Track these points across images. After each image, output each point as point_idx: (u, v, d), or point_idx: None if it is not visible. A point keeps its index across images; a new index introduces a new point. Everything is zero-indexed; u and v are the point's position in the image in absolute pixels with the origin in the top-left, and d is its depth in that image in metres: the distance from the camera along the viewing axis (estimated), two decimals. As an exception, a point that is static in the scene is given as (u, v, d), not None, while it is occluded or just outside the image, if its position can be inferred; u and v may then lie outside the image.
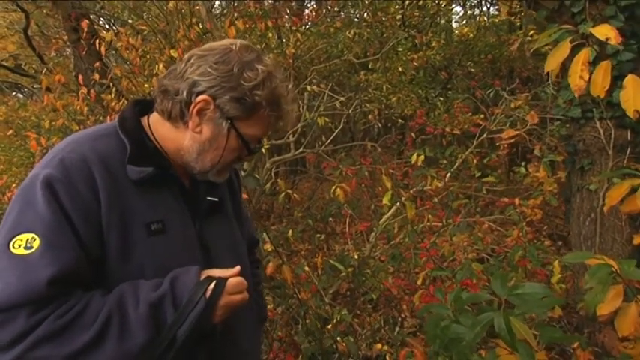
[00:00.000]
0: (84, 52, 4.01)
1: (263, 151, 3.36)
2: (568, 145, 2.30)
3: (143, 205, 0.85)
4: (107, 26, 7.82)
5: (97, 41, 3.32)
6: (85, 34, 3.74)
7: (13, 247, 0.74)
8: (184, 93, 0.86)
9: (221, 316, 0.85)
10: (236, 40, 0.91)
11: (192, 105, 0.86)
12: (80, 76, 3.60)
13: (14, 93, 13.18)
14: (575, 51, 1.22)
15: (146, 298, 0.78)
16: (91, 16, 5.17)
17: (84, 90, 3.15)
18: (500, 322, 1.01)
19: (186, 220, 0.92)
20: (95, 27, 5.31)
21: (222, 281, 0.84)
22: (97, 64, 3.65)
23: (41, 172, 0.78)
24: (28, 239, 0.74)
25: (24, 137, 5.49)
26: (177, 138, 0.91)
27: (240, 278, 0.87)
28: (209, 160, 0.91)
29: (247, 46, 0.90)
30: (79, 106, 3.19)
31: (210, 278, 0.84)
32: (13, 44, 9.66)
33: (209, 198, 0.98)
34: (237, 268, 0.88)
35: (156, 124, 0.93)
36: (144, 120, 0.94)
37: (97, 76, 3.39)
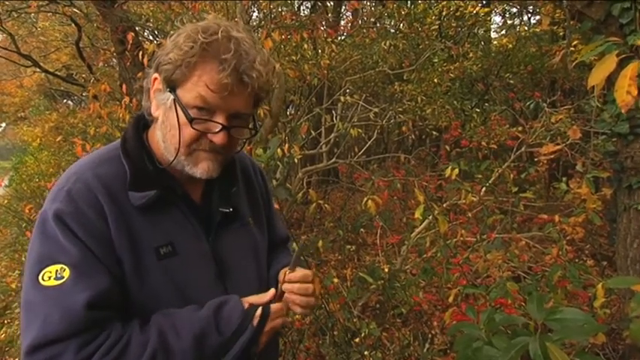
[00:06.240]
0: (128, 63, 4.21)
1: (295, 160, 3.38)
2: (614, 162, 2.18)
3: (150, 229, 0.83)
4: (151, 38, 8.19)
5: (141, 52, 3.47)
6: (130, 46, 3.93)
7: (43, 280, 0.73)
8: (145, 84, 0.88)
9: (264, 342, 0.87)
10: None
11: (151, 90, 0.87)
12: (124, 86, 3.78)
13: (65, 100, 14.02)
14: (622, 64, 1.16)
15: (189, 329, 0.79)
16: (137, 29, 5.43)
17: (127, 99, 3.29)
18: (535, 348, 0.96)
19: (199, 236, 0.90)
20: (140, 39, 5.57)
21: (268, 308, 0.86)
22: (140, 74, 3.81)
23: (51, 207, 0.78)
24: (57, 270, 0.74)
25: (72, 142, 5.80)
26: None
27: (280, 304, 0.90)
28: (172, 145, 0.84)
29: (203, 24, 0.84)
30: (121, 114, 3.33)
31: (254, 306, 0.86)
32: (66, 55, 10.33)
33: (222, 209, 0.94)
34: (272, 291, 0.89)
35: (153, 134, 0.91)
36: (148, 134, 0.93)
37: (139, 85, 3.53)
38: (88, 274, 0.75)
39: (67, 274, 0.73)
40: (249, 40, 0.83)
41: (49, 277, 0.73)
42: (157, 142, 0.89)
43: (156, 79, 0.85)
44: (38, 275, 0.74)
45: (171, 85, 0.82)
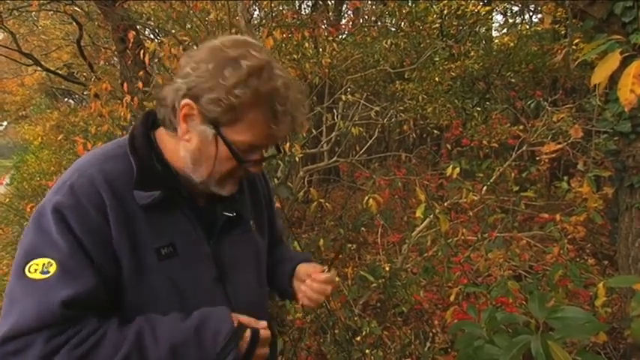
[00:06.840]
0: (129, 62, 4.21)
1: (297, 159, 3.38)
2: (616, 160, 2.18)
3: (152, 229, 0.82)
4: (152, 36, 8.19)
5: (142, 51, 3.47)
6: (131, 45, 3.93)
7: (29, 272, 0.73)
8: (169, 99, 0.82)
9: None
10: (231, 36, 0.83)
11: (178, 111, 0.80)
12: (125, 84, 3.77)
13: (66, 99, 14.02)
14: (625, 63, 1.15)
15: (168, 337, 0.77)
16: (137, 27, 5.43)
17: (128, 97, 3.29)
18: (537, 347, 0.96)
19: (200, 240, 0.88)
20: (141, 37, 5.57)
21: (257, 332, 0.82)
22: (141, 72, 3.82)
23: (52, 199, 0.77)
24: (44, 264, 0.73)
25: (73, 141, 5.81)
26: (176, 148, 0.86)
27: (268, 332, 0.85)
28: (204, 170, 0.84)
29: (237, 41, 0.80)
30: (122, 113, 3.33)
31: (243, 327, 0.81)
32: (67, 54, 10.33)
33: (225, 213, 0.93)
34: (264, 323, 0.85)
35: (163, 136, 0.89)
36: (156, 133, 0.90)
37: (140, 84, 3.53)
38: (73, 273, 0.74)
39: (53, 269, 0.73)
40: (290, 76, 0.84)
41: (36, 270, 0.73)
42: (175, 152, 0.86)
43: (187, 105, 0.79)
44: (25, 266, 0.73)
45: (215, 123, 0.79)
